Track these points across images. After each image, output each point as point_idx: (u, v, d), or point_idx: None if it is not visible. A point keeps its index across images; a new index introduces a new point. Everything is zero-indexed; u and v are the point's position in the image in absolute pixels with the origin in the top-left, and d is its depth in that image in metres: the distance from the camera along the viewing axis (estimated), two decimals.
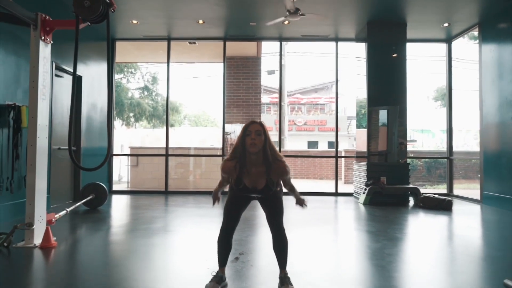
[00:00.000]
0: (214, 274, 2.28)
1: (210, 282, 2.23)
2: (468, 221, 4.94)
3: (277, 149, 2.30)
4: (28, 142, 3.28)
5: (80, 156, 6.02)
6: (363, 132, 6.84)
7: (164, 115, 14.24)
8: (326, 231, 4.11)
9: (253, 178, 2.19)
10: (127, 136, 13.70)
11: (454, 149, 7.40)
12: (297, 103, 25.80)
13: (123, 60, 8.38)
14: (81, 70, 5.98)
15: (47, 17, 3.30)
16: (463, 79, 7.74)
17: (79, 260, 3.05)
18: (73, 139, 5.95)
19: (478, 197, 6.32)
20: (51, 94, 5.11)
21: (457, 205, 5.97)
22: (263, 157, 2.15)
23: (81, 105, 6.08)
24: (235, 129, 8.85)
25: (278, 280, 2.26)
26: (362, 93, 6.85)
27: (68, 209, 4.07)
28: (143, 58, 9.69)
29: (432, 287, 2.38)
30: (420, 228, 4.49)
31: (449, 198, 5.76)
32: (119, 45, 7.48)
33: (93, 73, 6.51)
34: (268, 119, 19.68)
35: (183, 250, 3.23)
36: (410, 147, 17.19)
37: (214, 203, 2.38)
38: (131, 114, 13.74)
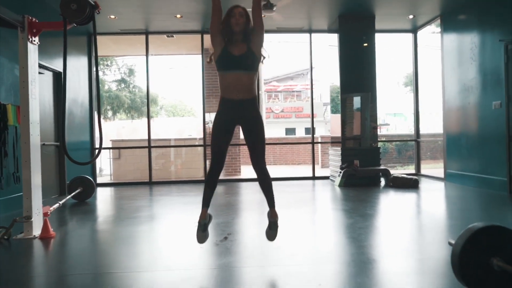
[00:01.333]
0: (197, 224, 2.47)
1: (197, 233, 2.47)
2: (431, 196, 5.46)
3: None
4: (21, 140, 3.43)
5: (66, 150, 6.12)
6: (338, 117, 7.25)
7: (142, 107, 14.26)
8: (304, 211, 4.49)
9: (236, 48, 2.45)
10: (106, 129, 13.65)
11: (425, 131, 7.96)
12: (273, 91, 26.11)
13: (101, 54, 8.41)
14: (60, 65, 6.04)
15: (34, 19, 3.43)
16: (431, 65, 8.25)
17: (77, 248, 3.28)
18: (57, 134, 6.07)
19: (442, 175, 6.89)
20: None
21: (423, 183, 6.51)
22: (243, 35, 2.47)
23: (65, 101, 6.14)
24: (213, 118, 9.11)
25: (262, 254, 2.59)
26: (336, 80, 7.23)
27: (60, 202, 4.25)
28: (120, 52, 9.69)
29: (395, 252, 2.78)
30: (389, 204, 4.95)
31: (415, 177, 6.27)
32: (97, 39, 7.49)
33: (72, 68, 6.56)
34: None
35: (170, 235, 3.51)
36: (383, 130, 17.89)
37: None
38: (109, 107, 13.67)
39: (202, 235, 2.48)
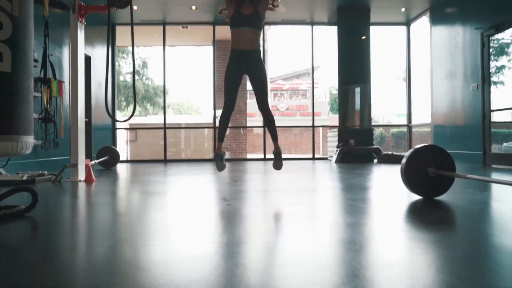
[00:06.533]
0: (214, 156, 3.22)
1: (216, 162, 3.17)
2: None
3: None
4: (72, 107, 4.22)
5: (91, 128, 6.93)
6: (337, 117, 7.88)
7: (155, 97, 15.08)
8: (303, 175, 5.23)
9: (246, 9, 3.01)
10: (120, 119, 14.48)
11: (418, 122, 8.64)
12: (279, 89, 26.77)
13: (121, 44, 9.18)
14: (88, 51, 6.83)
15: (82, 3, 4.21)
16: (425, 58, 8.89)
17: (115, 191, 4.04)
18: (86, 113, 6.86)
19: None
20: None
21: None
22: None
23: (91, 83, 6.94)
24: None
25: (266, 185, 3.32)
26: (336, 80, 7.85)
27: (96, 161, 5.02)
28: (138, 42, 10.47)
29: (361, 190, 3.51)
30: (376, 172, 5.65)
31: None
32: (118, 29, 8.31)
33: (100, 54, 7.36)
34: (253, 105, 20.36)
35: (181, 186, 4.27)
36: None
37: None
38: (123, 98, 14.50)
39: (220, 164, 3.18)
